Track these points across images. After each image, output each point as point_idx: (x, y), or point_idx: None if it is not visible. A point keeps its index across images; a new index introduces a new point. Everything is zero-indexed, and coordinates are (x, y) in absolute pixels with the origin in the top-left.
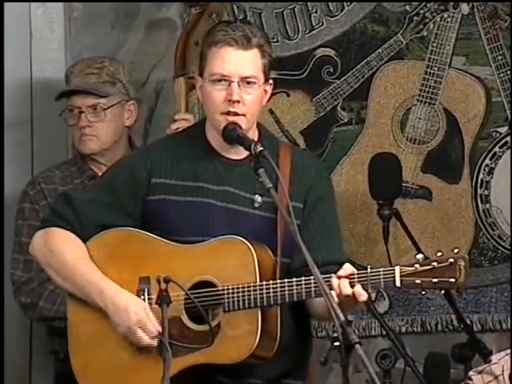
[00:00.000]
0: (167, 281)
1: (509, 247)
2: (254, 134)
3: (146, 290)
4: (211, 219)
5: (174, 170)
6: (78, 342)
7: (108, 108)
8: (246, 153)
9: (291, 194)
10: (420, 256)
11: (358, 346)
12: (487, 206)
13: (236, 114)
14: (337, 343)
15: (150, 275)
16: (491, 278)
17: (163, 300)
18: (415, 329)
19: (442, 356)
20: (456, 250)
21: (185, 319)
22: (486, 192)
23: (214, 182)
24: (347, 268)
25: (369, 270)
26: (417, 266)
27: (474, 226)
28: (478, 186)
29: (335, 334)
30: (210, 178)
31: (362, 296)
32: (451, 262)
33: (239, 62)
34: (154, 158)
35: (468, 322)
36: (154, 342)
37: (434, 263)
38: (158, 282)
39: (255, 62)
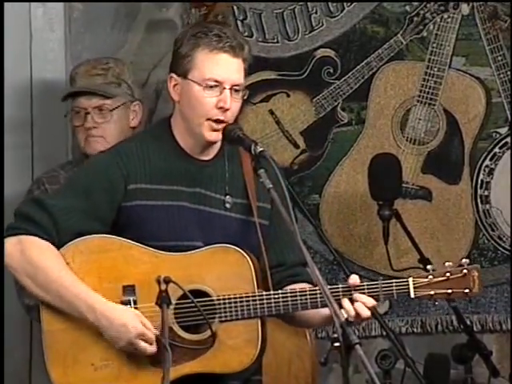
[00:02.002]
0: (167, 281)
1: (509, 248)
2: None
3: (132, 299)
4: (185, 222)
5: (147, 173)
6: (55, 352)
7: (114, 109)
8: (214, 153)
9: (259, 195)
10: (430, 267)
11: (358, 346)
12: (487, 206)
13: (222, 121)
14: (337, 344)
15: (134, 283)
16: (491, 279)
17: (163, 301)
18: (415, 329)
19: (442, 357)
20: (467, 261)
21: (176, 328)
22: (485, 193)
23: (186, 184)
24: (355, 278)
25: (380, 282)
26: (431, 277)
27: (473, 226)
28: (478, 186)
29: (335, 335)
30: (183, 180)
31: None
32: (465, 273)
33: (231, 70)
34: (127, 163)
35: (468, 322)
36: (154, 348)
37: (448, 274)
38: (158, 282)
39: (241, 70)
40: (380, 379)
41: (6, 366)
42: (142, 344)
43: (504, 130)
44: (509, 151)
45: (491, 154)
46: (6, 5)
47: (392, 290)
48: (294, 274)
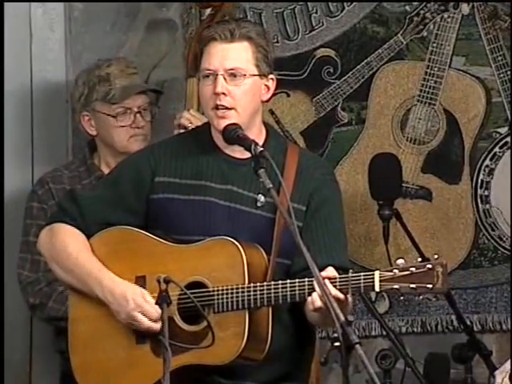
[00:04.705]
0: (167, 281)
1: (509, 247)
2: (260, 133)
3: None
4: (214, 218)
5: (177, 168)
6: (77, 339)
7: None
8: None
9: (294, 196)
10: (400, 261)
11: (358, 346)
12: (487, 206)
13: (224, 107)
14: (337, 343)
15: (145, 274)
16: (491, 279)
17: (163, 300)
18: (415, 329)
19: (442, 356)
20: (436, 256)
21: (177, 319)
22: (486, 192)
23: (217, 180)
24: (329, 271)
25: (350, 275)
26: (395, 271)
27: (474, 226)
28: (478, 186)
29: (335, 335)
30: (214, 176)
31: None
32: (429, 268)
33: (223, 55)
34: (158, 157)
35: (468, 322)
36: (156, 325)
37: (412, 269)
38: (158, 282)
39: (243, 55)
40: (380, 379)
41: (6, 365)
42: (139, 317)
43: (504, 130)
44: (509, 151)
45: (491, 153)
46: (6, 5)
47: (360, 282)
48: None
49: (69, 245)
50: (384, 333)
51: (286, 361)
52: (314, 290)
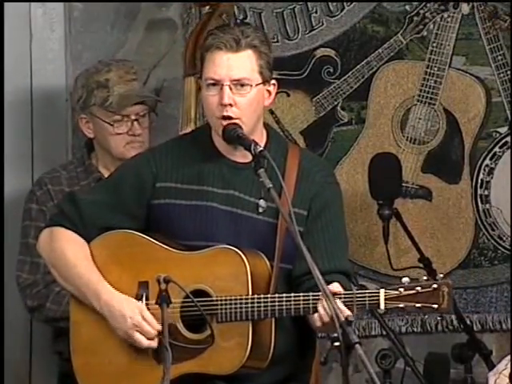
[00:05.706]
0: (167, 281)
1: (509, 247)
2: (261, 136)
3: (145, 295)
4: (215, 223)
5: (179, 173)
6: (79, 342)
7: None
8: None
9: (295, 201)
10: (406, 279)
11: (358, 345)
12: (487, 206)
13: (230, 117)
14: (337, 343)
15: (148, 280)
16: (491, 278)
17: (163, 300)
18: (415, 329)
19: (442, 356)
20: (441, 275)
21: (180, 327)
22: (486, 192)
23: (218, 185)
24: (335, 286)
25: (355, 291)
26: (401, 290)
27: (473, 226)
28: (478, 186)
29: (335, 334)
30: (215, 181)
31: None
32: (435, 288)
33: (230, 65)
34: (159, 162)
35: (468, 322)
36: (154, 343)
37: (418, 288)
38: (158, 282)
39: (248, 64)
40: (380, 379)
41: (6, 365)
42: (137, 336)
43: (504, 130)
44: (509, 150)
45: (491, 153)
46: (6, 5)
47: (365, 300)
48: (326, 281)
49: (67, 252)
50: (384, 332)
51: (288, 364)
52: (317, 305)
